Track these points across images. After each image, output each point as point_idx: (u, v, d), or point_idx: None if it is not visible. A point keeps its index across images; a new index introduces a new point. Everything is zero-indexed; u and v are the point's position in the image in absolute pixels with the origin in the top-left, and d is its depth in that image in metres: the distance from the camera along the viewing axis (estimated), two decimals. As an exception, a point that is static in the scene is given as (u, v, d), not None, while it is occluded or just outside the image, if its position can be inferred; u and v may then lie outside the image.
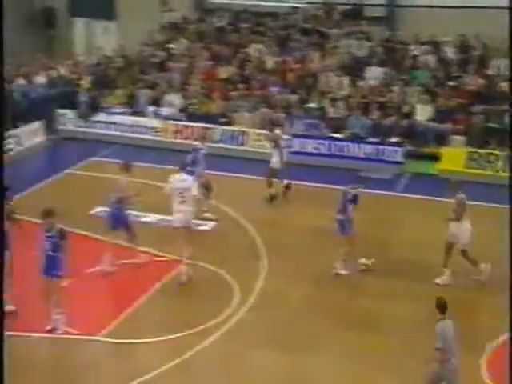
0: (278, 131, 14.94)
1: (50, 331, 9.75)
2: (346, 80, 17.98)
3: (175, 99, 18.34)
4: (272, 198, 14.26)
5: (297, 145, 16.78)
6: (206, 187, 13.41)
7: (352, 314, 10.38)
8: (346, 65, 18.47)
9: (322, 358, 9.32)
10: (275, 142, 14.58)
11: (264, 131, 16.86)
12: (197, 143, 14.08)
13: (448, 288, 10.69)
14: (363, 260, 11.54)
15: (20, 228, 10.57)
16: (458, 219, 10.97)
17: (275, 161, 14.33)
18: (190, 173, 12.14)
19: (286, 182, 14.46)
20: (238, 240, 12.85)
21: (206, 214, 13.40)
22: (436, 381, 7.74)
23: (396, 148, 16.27)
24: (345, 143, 16.55)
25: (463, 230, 11.00)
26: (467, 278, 11.10)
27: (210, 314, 10.25)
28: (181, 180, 11.38)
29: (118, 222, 11.56)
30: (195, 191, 12.23)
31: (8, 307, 10.19)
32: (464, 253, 11.05)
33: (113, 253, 11.52)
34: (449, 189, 11.29)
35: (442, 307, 7.73)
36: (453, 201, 11.07)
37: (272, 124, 16.10)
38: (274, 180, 14.39)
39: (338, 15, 19.90)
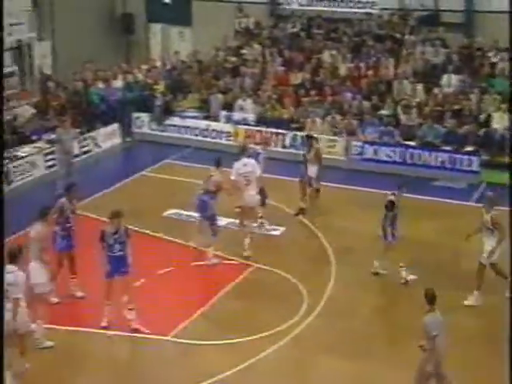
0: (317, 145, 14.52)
1: (105, 328, 10.02)
2: (420, 87, 17.70)
3: (247, 104, 18.50)
4: (301, 211, 13.82)
5: (369, 152, 16.64)
6: (262, 193, 13.37)
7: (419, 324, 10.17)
8: (421, 72, 18.17)
9: (390, 369, 9.19)
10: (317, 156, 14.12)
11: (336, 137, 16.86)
12: (257, 147, 14.15)
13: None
14: (403, 273, 11.23)
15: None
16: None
17: (313, 170, 13.92)
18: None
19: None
20: (307, 245, 12.85)
21: (261, 220, 13.31)
22: (425, 368, 7.96)
23: (471, 157, 15.88)
24: (418, 151, 16.28)
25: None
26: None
27: (278, 319, 10.28)
28: (244, 164, 12.29)
29: (205, 211, 11.99)
30: (259, 171, 12.74)
31: (78, 293, 10.76)
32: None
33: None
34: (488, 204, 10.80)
35: (430, 299, 7.94)
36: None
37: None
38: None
39: (414, 21, 19.61)
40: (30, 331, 8.87)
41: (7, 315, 7.84)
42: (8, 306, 7.95)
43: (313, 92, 18.18)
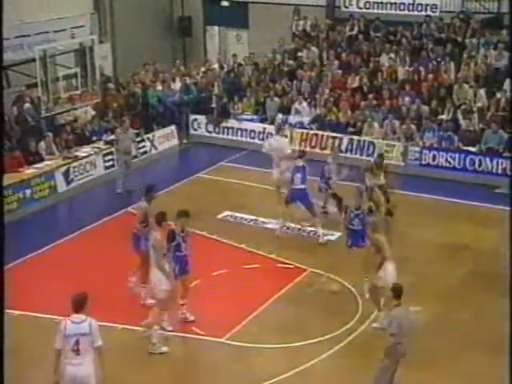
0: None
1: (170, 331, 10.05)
2: (482, 92, 17.26)
3: (303, 107, 18.42)
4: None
5: (428, 157, 16.32)
6: (337, 199, 13.35)
7: (481, 335, 9.90)
8: (483, 76, 17.73)
9: (447, 381, 8.97)
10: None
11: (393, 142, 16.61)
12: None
13: None
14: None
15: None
16: None
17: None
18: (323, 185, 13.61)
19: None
20: (361, 251, 12.64)
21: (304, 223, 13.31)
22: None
23: (535, 164, 15.40)
24: (479, 157, 15.88)
25: None
26: None
27: (332, 325, 10.17)
28: (275, 140, 13.46)
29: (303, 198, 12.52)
30: (289, 149, 13.79)
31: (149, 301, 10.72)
32: None
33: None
34: None
35: (397, 292, 8.07)
36: None
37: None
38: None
39: (476, 24, 19.16)
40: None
41: (84, 369, 7.44)
42: (85, 359, 7.45)
43: (370, 96, 17.96)
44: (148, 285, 10.13)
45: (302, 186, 12.70)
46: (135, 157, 16.09)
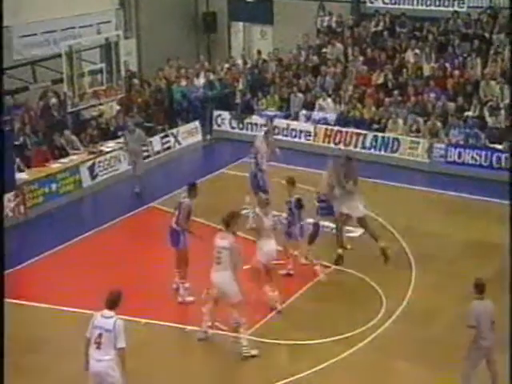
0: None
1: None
2: (509, 88, 17.03)
3: (328, 104, 18.36)
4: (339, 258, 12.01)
5: (454, 155, 16.16)
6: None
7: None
8: (510, 72, 17.48)
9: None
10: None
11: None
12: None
13: None
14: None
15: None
16: None
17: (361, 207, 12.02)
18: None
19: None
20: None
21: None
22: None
23: None
24: (505, 155, 15.68)
25: None
26: None
27: (356, 322, 10.13)
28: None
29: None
30: None
31: (188, 298, 10.80)
32: None
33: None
34: None
35: (479, 287, 8.18)
36: None
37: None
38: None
39: (503, 19, 18.90)
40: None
41: (103, 365, 7.52)
42: (105, 356, 7.53)
43: (395, 92, 17.83)
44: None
45: None
46: (158, 152, 16.13)
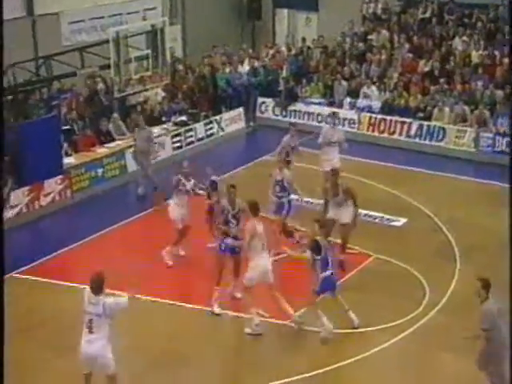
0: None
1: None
2: (560, 77, 16.61)
3: (372, 91, 18.18)
4: None
5: (502, 144, 15.84)
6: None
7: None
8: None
9: None
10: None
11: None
12: None
13: None
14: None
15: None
16: None
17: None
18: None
19: None
20: (430, 238, 12.46)
21: None
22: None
23: None
24: (555, 145, 15.32)
25: None
26: None
27: (399, 312, 10.06)
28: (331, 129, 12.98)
29: None
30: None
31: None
32: None
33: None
34: None
35: (486, 285, 7.76)
36: None
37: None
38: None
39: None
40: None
41: (94, 347, 7.72)
42: (97, 338, 7.74)
43: (442, 80, 17.55)
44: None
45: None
46: (201, 139, 16.15)
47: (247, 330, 9.78)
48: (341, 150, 13.29)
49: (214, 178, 11.91)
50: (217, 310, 10.28)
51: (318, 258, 9.52)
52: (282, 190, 11.78)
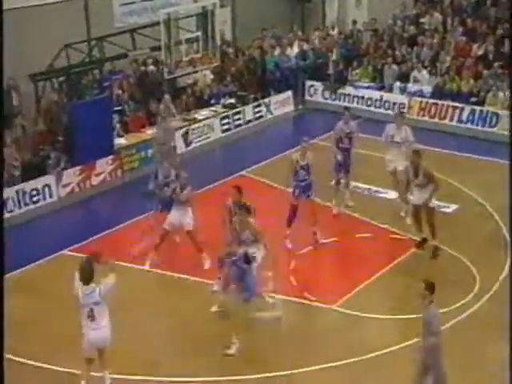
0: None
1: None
2: None
3: (422, 75, 17.87)
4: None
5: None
6: None
7: None
8: None
9: None
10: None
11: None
12: None
13: None
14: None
15: None
16: None
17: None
18: None
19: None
20: (481, 226, 12.25)
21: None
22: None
23: None
24: None
25: None
26: None
27: (447, 300, 9.90)
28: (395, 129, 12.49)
29: None
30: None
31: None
32: None
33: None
34: None
35: (432, 288, 7.50)
36: None
37: None
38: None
39: None
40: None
41: (100, 333, 7.92)
42: (101, 324, 7.91)
43: (496, 64, 17.12)
44: None
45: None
46: (249, 121, 16.07)
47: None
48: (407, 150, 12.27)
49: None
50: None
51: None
52: (307, 174, 11.68)
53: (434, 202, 11.32)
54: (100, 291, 7.87)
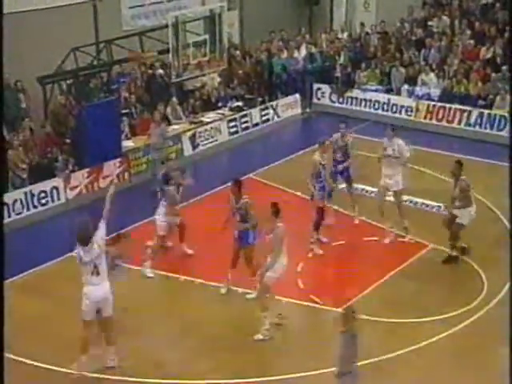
0: None
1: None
2: None
3: (430, 79, 17.83)
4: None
5: None
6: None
7: None
8: None
9: None
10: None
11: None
12: None
13: None
14: None
15: None
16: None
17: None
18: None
19: None
20: (489, 229, 12.21)
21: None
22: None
23: None
24: None
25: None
26: None
27: (454, 304, 9.93)
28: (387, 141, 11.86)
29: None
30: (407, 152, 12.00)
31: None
32: None
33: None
34: None
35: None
36: None
37: None
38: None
39: None
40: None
41: (102, 287, 8.18)
42: (104, 279, 8.21)
43: (504, 67, 17.07)
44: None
45: None
46: (256, 125, 16.08)
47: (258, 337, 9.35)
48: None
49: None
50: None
51: None
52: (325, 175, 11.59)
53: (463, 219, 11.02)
54: (99, 244, 8.12)
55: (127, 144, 14.92)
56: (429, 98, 17.51)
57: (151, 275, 10.97)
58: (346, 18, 23.00)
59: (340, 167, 12.41)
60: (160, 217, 11.15)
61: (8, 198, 12.38)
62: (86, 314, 8.30)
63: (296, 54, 19.28)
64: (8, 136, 13.40)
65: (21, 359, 8.74)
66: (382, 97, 18.00)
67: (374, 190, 13.70)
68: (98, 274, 8.15)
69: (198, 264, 11.38)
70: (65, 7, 15.88)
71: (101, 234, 8.27)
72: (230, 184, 10.59)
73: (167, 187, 11.21)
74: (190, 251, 11.53)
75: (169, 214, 11.11)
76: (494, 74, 17.11)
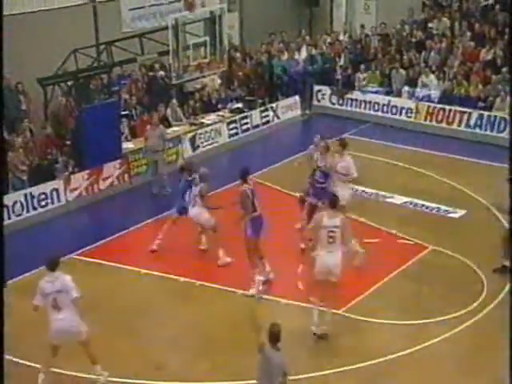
0: None
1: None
2: None
3: (431, 80, 17.84)
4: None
5: None
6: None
7: None
8: None
9: None
10: None
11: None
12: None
13: None
14: None
15: None
16: None
17: None
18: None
19: None
20: (489, 231, 12.17)
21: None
22: None
23: None
24: None
25: None
26: None
27: (455, 305, 9.92)
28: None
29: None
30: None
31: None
32: None
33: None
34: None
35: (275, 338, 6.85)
36: None
37: None
38: None
39: None
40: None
41: (60, 324, 7.96)
42: (66, 314, 7.98)
43: (504, 69, 17.08)
44: None
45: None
46: (257, 126, 16.07)
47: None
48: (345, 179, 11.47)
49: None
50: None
51: None
52: (324, 178, 11.36)
53: None
54: (64, 279, 7.99)
55: (127, 146, 14.93)
56: (429, 99, 17.52)
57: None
58: (346, 20, 23.02)
59: (319, 187, 11.38)
60: (201, 211, 11.22)
61: (8, 199, 12.39)
62: (52, 340, 8.18)
63: (296, 56, 19.29)
64: (8, 137, 13.40)
65: (21, 361, 8.72)
66: (382, 98, 18.01)
67: (374, 191, 13.75)
68: (58, 309, 7.96)
69: (198, 265, 11.38)
70: (65, 9, 15.90)
71: (71, 285, 8.03)
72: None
73: (201, 182, 11.29)
74: (203, 247, 11.70)
75: (204, 206, 11.26)
76: (494, 76, 17.12)
